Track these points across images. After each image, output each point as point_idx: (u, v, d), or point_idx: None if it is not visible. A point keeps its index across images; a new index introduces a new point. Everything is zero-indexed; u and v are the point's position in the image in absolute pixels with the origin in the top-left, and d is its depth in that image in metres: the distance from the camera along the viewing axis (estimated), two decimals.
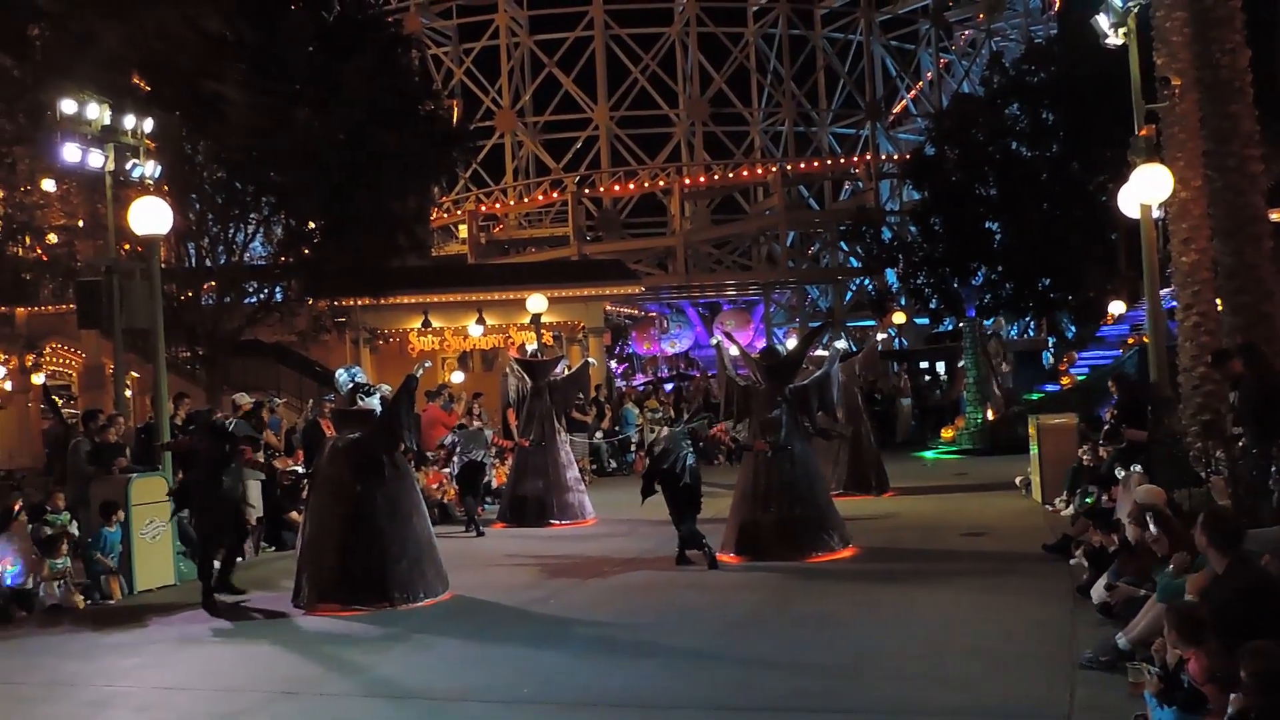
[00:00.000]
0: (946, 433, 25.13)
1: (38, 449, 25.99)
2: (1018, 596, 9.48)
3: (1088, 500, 12.57)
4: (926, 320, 38.38)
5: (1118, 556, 8.69)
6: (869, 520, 13.99)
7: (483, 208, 47.86)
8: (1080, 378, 24.53)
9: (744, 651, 8.15)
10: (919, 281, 35.03)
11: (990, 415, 24.04)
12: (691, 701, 6.90)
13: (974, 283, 32.90)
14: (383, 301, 27.38)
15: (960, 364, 25.36)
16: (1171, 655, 5.74)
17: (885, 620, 8.90)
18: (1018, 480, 16.52)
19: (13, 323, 23.64)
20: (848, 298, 47.40)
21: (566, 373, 17.32)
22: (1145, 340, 24.24)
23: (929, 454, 23.94)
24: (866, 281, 44.47)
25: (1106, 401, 15.35)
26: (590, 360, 17.72)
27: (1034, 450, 15.75)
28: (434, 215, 38.28)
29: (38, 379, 27.45)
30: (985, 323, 37.38)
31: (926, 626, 8.61)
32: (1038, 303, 34.18)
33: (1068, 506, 13.70)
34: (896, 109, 53.49)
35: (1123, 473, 11.49)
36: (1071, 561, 10.34)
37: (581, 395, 17.02)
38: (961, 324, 26.87)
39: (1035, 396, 25.33)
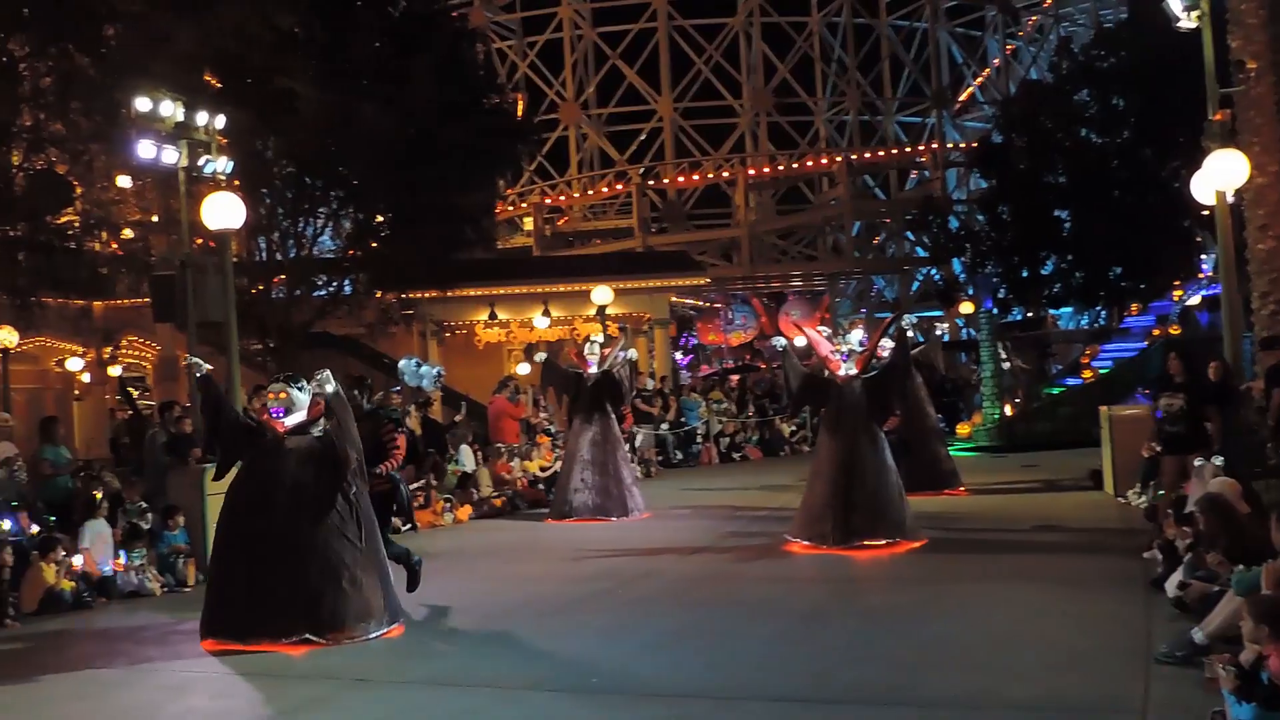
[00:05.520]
0: (963, 429, 24.14)
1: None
2: (1090, 590, 9.38)
3: (1161, 493, 12.40)
4: (995, 310, 38.02)
5: (1192, 550, 8.57)
6: (937, 515, 13.82)
7: (547, 200, 48.05)
8: (1104, 370, 24.05)
9: (815, 643, 8.13)
10: (987, 271, 34.70)
11: (1008, 411, 23.30)
12: (763, 693, 6.91)
13: (977, 272, 32.51)
14: (449, 294, 27.56)
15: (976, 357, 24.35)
16: (1249, 650, 5.66)
17: (956, 613, 8.84)
18: (1090, 472, 16.31)
19: (90, 316, 24.09)
20: (914, 287, 47.00)
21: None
22: (1172, 332, 23.89)
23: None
24: (933, 271, 44.11)
25: (1132, 395, 15.15)
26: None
27: (1106, 442, 15.55)
28: (499, 208, 38.50)
29: (114, 371, 27.97)
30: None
31: (998, 619, 8.54)
32: (1109, 292, 33.73)
33: (1140, 498, 13.53)
34: (963, 97, 52.87)
35: (1199, 462, 11.30)
36: (1145, 555, 10.20)
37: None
38: (983, 315, 25.94)
39: (1055, 391, 24.82)
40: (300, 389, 9.12)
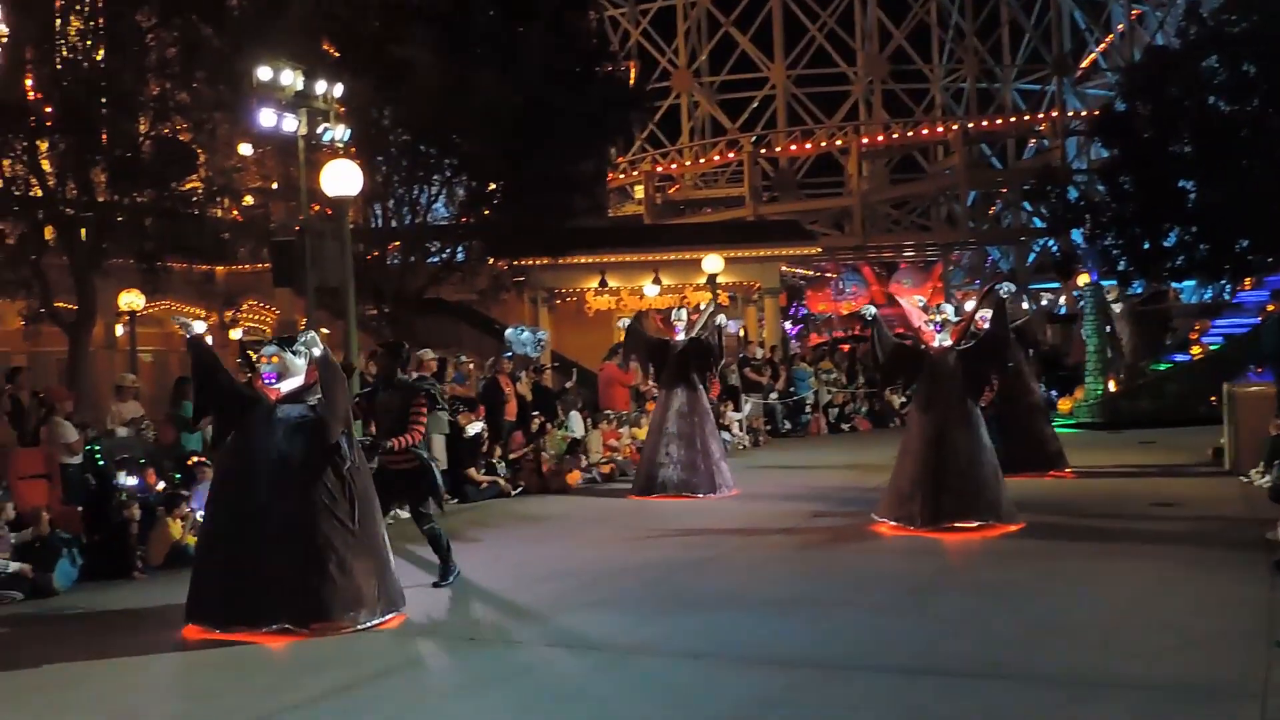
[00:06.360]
0: (1064, 405, 22.85)
1: None
2: (1211, 570, 9.15)
3: None
4: (1114, 282, 37.17)
5: None
6: (1043, 497, 13.25)
7: (659, 168, 48.03)
8: (1214, 347, 23.22)
9: (922, 616, 8.08)
10: (1106, 243, 33.90)
11: (1111, 387, 22.32)
12: (871, 664, 6.89)
13: (1096, 244, 31.44)
14: (560, 261, 27.78)
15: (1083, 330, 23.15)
16: None
17: (1069, 590, 8.70)
18: (1211, 451, 15.88)
19: (213, 280, 24.82)
20: (1030, 259, 46.11)
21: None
22: None
23: None
24: (1050, 242, 43.21)
25: (1243, 372, 14.60)
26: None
27: (1227, 420, 15.13)
28: (610, 176, 38.63)
29: (235, 334, 28.74)
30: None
31: (1113, 598, 8.39)
32: (1234, 265, 32.72)
33: (1264, 478, 13.15)
34: (1085, 63, 51.53)
35: None
36: (1269, 536, 9.92)
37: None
38: (1087, 287, 24.66)
39: (1162, 367, 24.05)
40: (296, 352, 8.37)
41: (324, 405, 8.17)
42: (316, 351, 8.31)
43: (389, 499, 9.32)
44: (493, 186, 25.12)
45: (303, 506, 7.97)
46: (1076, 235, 37.65)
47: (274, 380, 8.34)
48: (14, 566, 9.75)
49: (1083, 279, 35.86)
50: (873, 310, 12.48)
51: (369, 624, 7.99)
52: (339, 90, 15.60)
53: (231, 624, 7.87)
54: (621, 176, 46.14)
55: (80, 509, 11.21)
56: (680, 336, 14.92)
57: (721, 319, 15.24)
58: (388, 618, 8.15)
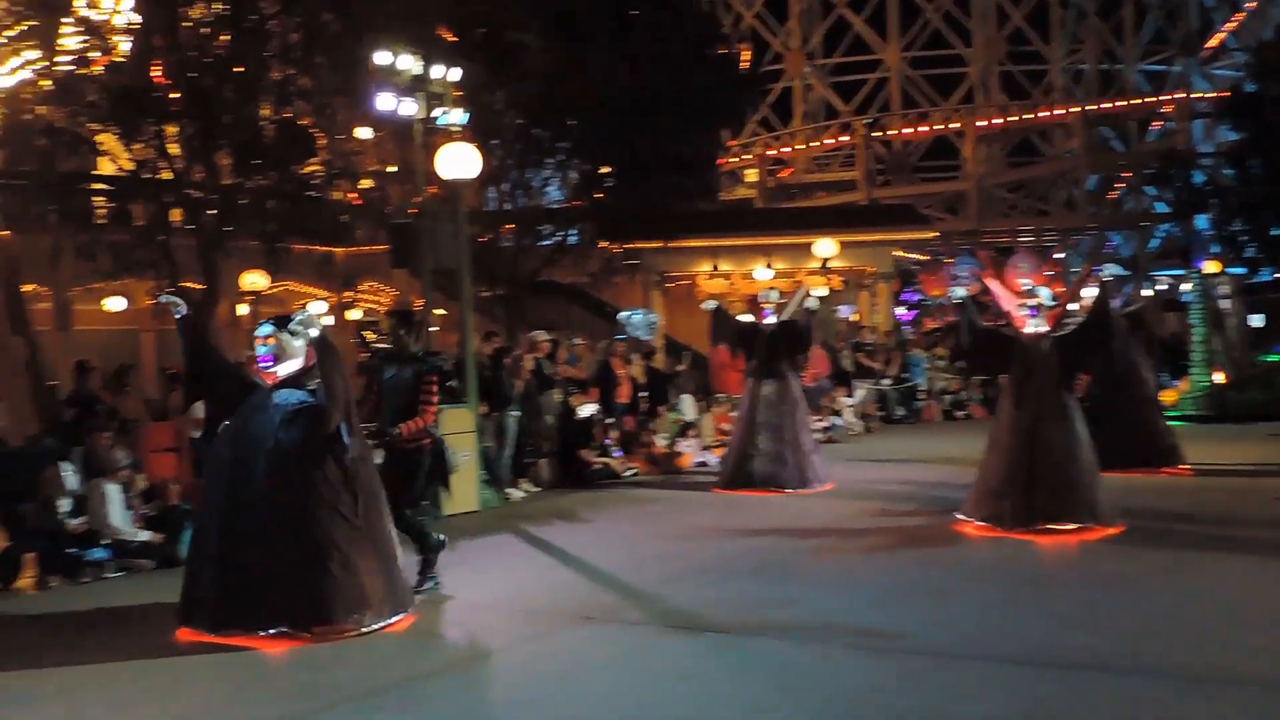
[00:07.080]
0: (1168, 396, 20.78)
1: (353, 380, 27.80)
2: None
3: None
4: (1243, 270, 36.09)
5: None
6: (1155, 495, 12.48)
7: (771, 151, 47.78)
8: None
9: (1034, 608, 7.93)
10: (1234, 228, 32.94)
11: (1221, 378, 21.04)
12: (982, 653, 6.81)
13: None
14: (672, 245, 27.81)
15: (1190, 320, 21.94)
16: None
17: (1186, 584, 8.47)
18: None
19: (332, 262, 25.35)
20: (1153, 244, 44.96)
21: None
22: None
23: None
24: (1174, 227, 42.07)
25: None
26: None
27: None
28: (722, 160, 38.55)
29: (353, 315, 29.32)
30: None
31: (1232, 593, 8.16)
32: None
33: None
34: (1212, 43, 50.02)
35: None
36: None
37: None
38: (1194, 273, 23.52)
39: (1273, 358, 23.13)
40: (293, 333, 7.74)
41: (322, 391, 7.52)
42: (314, 332, 7.73)
43: (400, 482, 8.59)
44: (605, 170, 25.26)
45: (302, 499, 7.40)
46: (1202, 221, 36.68)
47: (270, 363, 7.73)
48: (145, 535, 10.13)
49: (1209, 265, 34.94)
50: (961, 293, 11.93)
51: (374, 626, 7.47)
52: (455, 75, 15.76)
53: (226, 626, 7.31)
54: (733, 160, 46.00)
55: None
56: (769, 320, 14.00)
57: (812, 302, 14.42)
58: (395, 619, 7.65)
